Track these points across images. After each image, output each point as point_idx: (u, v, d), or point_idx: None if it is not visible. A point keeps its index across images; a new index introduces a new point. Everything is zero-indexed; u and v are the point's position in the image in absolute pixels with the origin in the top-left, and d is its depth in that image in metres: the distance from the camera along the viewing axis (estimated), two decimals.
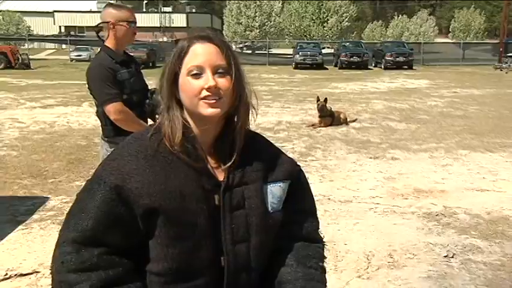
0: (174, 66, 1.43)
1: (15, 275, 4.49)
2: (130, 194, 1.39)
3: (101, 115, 3.87)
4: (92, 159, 8.04)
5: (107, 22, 3.77)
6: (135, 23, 3.85)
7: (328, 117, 11.99)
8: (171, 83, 1.44)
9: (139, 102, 3.87)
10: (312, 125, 12.00)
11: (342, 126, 11.97)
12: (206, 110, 1.41)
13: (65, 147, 9.58)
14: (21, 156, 8.90)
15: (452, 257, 4.91)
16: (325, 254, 1.65)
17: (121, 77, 3.77)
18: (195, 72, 1.40)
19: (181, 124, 1.44)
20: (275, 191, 1.54)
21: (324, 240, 1.68)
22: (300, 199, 1.63)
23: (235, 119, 1.49)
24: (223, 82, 1.41)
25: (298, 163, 1.68)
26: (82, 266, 1.36)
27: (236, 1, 53.18)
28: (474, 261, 4.81)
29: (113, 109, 3.74)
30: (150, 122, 4.02)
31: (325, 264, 1.64)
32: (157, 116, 4.06)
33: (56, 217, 5.89)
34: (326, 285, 1.58)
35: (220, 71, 1.42)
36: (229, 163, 1.48)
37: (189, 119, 1.46)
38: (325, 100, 12.31)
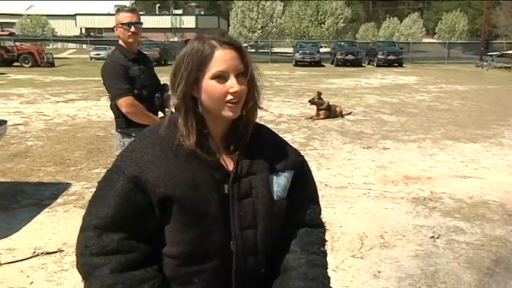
0: (196, 71, 1.39)
1: (42, 253, 4.52)
2: (147, 184, 1.38)
3: (114, 108, 3.90)
4: (110, 149, 8.04)
5: (118, 24, 3.85)
6: (133, 24, 3.83)
7: (325, 110, 11.98)
8: (190, 85, 1.41)
9: (149, 97, 3.90)
10: (311, 118, 11.99)
11: (338, 119, 11.96)
12: (228, 113, 1.40)
13: (85, 138, 9.59)
14: (46, 146, 8.91)
15: (438, 237, 4.91)
16: (326, 239, 1.64)
17: (132, 73, 3.80)
18: (219, 76, 1.38)
19: (195, 125, 1.42)
20: (280, 181, 1.52)
21: (325, 224, 1.67)
22: (303, 187, 1.62)
23: (248, 115, 1.48)
24: (244, 84, 1.41)
25: (301, 153, 1.67)
26: (103, 250, 1.36)
27: (241, 4, 53.04)
28: (457, 242, 4.82)
29: (124, 103, 3.77)
30: (160, 114, 4.06)
31: (326, 249, 1.63)
32: (166, 110, 4.09)
33: (77, 201, 5.91)
34: (327, 268, 1.58)
35: (241, 74, 1.41)
36: (238, 155, 1.47)
37: (204, 116, 1.44)
38: (319, 94, 12.30)
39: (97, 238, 1.37)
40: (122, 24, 3.83)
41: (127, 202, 1.38)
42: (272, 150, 1.55)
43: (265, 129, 1.61)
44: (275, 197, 1.51)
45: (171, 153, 1.42)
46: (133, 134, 3.90)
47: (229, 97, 1.38)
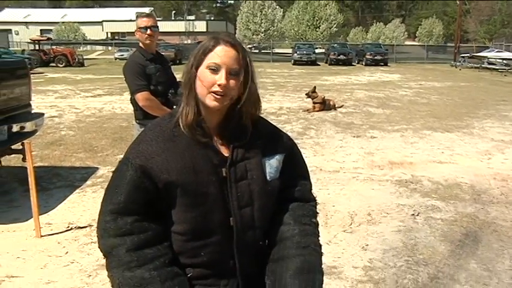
0: (197, 59, 1.41)
1: (75, 227, 4.55)
2: (152, 172, 1.39)
3: (133, 102, 3.94)
4: (131, 138, 7.98)
5: (137, 29, 3.87)
6: (149, 27, 3.84)
7: (320, 103, 11.96)
8: (192, 73, 1.42)
9: (163, 92, 3.91)
10: (307, 110, 11.96)
11: (331, 111, 11.93)
12: (211, 102, 1.40)
13: (111, 128, 9.60)
14: (77, 135, 8.93)
15: (418, 215, 4.92)
16: (317, 211, 1.64)
17: (149, 71, 3.82)
18: (213, 67, 1.38)
19: (194, 107, 1.43)
20: (272, 163, 1.52)
21: (316, 199, 1.66)
22: (294, 167, 1.60)
23: (242, 109, 1.46)
24: (233, 82, 1.40)
25: (291, 137, 1.66)
26: (119, 232, 1.38)
27: (246, 10, 52.78)
28: (434, 218, 4.82)
29: (141, 97, 3.80)
30: (174, 107, 4.05)
31: (318, 219, 1.63)
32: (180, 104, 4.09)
33: (104, 183, 5.93)
34: (319, 237, 1.58)
35: (233, 72, 1.40)
36: (237, 144, 1.47)
37: (200, 104, 1.44)
38: (315, 88, 12.28)
39: (113, 222, 1.39)
40: (140, 28, 3.84)
41: (136, 189, 1.40)
42: (265, 137, 1.54)
43: (262, 120, 1.59)
44: (268, 178, 1.50)
45: (172, 143, 1.42)
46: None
47: (215, 88, 1.38)
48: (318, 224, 1.60)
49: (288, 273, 1.46)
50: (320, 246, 1.56)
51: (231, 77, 1.39)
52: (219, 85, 1.37)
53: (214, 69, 1.38)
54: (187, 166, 1.40)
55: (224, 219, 1.44)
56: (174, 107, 4.03)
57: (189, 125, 1.42)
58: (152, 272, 1.35)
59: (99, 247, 1.42)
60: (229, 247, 1.46)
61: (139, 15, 3.97)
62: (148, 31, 3.83)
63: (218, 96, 1.39)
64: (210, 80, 1.38)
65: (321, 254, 1.55)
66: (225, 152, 1.46)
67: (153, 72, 3.83)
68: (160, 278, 1.35)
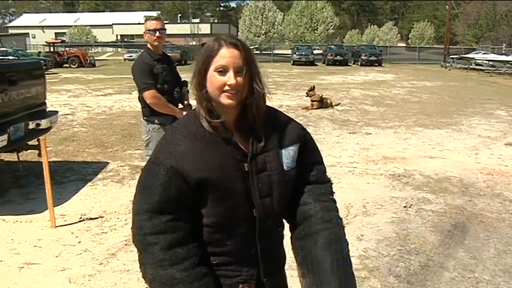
0: (205, 63, 1.42)
1: (87, 218, 4.56)
2: (183, 172, 1.39)
3: (141, 99, 3.95)
4: (140, 134, 8.02)
5: (146, 31, 3.89)
6: (157, 30, 3.85)
7: (318, 102, 11.95)
8: (201, 76, 1.43)
9: (170, 90, 3.92)
10: (306, 108, 11.95)
11: (329, 109, 11.91)
12: (226, 100, 1.41)
13: (120, 125, 9.61)
14: (89, 132, 8.94)
15: (410, 207, 4.92)
16: (333, 190, 1.65)
17: (156, 70, 3.83)
18: (220, 69, 1.39)
19: (208, 107, 1.44)
20: (288, 153, 1.53)
21: (330, 179, 1.67)
22: (308, 154, 1.61)
23: (252, 102, 1.47)
24: (241, 79, 1.41)
25: (304, 127, 1.66)
26: (153, 230, 1.39)
27: (248, 14, 52.69)
28: (425, 210, 4.82)
29: (148, 95, 3.81)
30: (180, 106, 4.07)
31: (335, 197, 1.64)
32: (185, 102, 4.10)
33: (114, 177, 5.94)
34: (338, 211, 1.60)
35: (239, 70, 1.41)
36: (251, 137, 1.48)
37: (215, 104, 1.45)
38: (313, 87, 12.26)
39: (148, 220, 1.39)
40: (149, 30, 3.85)
41: (169, 188, 1.39)
42: (280, 129, 1.55)
43: (272, 111, 1.60)
44: (285, 167, 1.52)
45: (199, 143, 1.43)
46: (156, 121, 3.92)
47: (226, 88, 1.39)
48: (335, 201, 1.62)
49: (317, 246, 1.49)
50: (341, 219, 1.59)
51: (239, 75, 1.41)
52: (229, 85, 1.39)
53: (222, 71, 1.39)
54: (214, 164, 1.41)
55: (248, 210, 1.46)
56: (180, 104, 4.06)
57: (210, 123, 1.43)
58: (182, 273, 1.37)
59: (134, 243, 1.45)
60: (252, 236, 1.48)
61: (148, 18, 3.97)
62: (157, 33, 3.84)
63: (231, 94, 1.40)
64: (220, 82, 1.39)
65: (343, 225, 1.58)
66: (245, 146, 1.47)
67: (160, 71, 3.84)
68: (190, 278, 1.37)
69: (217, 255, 1.49)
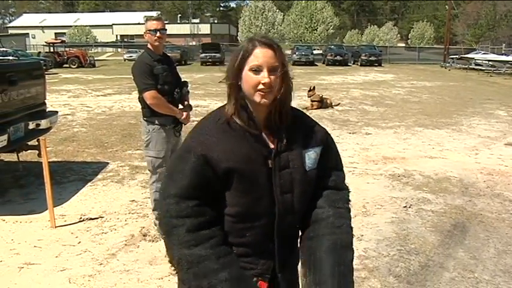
0: (240, 63, 1.47)
1: (87, 218, 4.56)
2: (213, 160, 1.44)
3: (141, 100, 3.93)
4: (139, 134, 8.02)
5: (146, 31, 3.87)
6: (158, 30, 3.84)
7: (318, 102, 11.95)
8: (236, 75, 1.49)
9: (170, 91, 3.90)
10: (306, 108, 11.94)
11: (329, 109, 11.92)
12: (259, 99, 1.47)
13: (120, 125, 9.61)
14: (88, 132, 8.94)
15: (410, 207, 4.92)
16: (349, 199, 1.68)
17: (156, 71, 3.81)
18: (255, 69, 1.45)
19: (240, 103, 1.50)
20: (311, 155, 1.58)
21: (349, 188, 1.70)
22: (330, 159, 1.66)
23: (281, 103, 1.53)
24: (274, 78, 1.46)
25: (328, 132, 1.70)
26: (180, 214, 1.43)
27: (247, 14, 52.69)
28: (425, 210, 4.82)
29: (149, 96, 3.79)
30: (180, 106, 4.06)
31: (350, 206, 1.67)
32: (185, 102, 4.10)
33: (114, 177, 5.94)
34: (350, 220, 1.63)
35: (273, 69, 1.46)
36: (277, 134, 1.54)
37: (248, 102, 1.51)
38: (313, 88, 12.26)
39: (175, 204, 1.44)
40: (150, 30, 3.84)
41: (198, 175, 1.44)
42: (305, 130, 1.60)
43: (299, 113, 1.67)
44: (307, 168, 1.56)
45: (230, 135, 1.49)
46: (156, 122, 3.90)
47: (261, 86, 1.45)
48: (350, 210, 1.66)
49: (322, 249, 1.53)
50: (352, 228, 1.62)
51: (272, 74, 1.46)
52: (263, 84, 1.44)
53: (257, 70, 1.45)
54: (243, 156, 1.47)
55: (270, 205, 1.51)
56: (180, 105, 4.05)
57: (242, 119, 1.50)
58: (208, 250, 1.42)
59: (160, 226, 1.49)
60: (271, 230, 1.53)
61: (149, 19, 3.95)
62: (158, 33, 3.83)
63: (264, 93, 1.46)
64: (255, 81, 1.45)
65: (352, 234, 1.61)
66: (271, 144, 1.53)
67: (160, 72, 3.82)
68: (215, 255, 1.42)
69: (237, 245, 1.53)
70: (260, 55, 1.45)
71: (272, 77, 1.46)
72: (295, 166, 1.54)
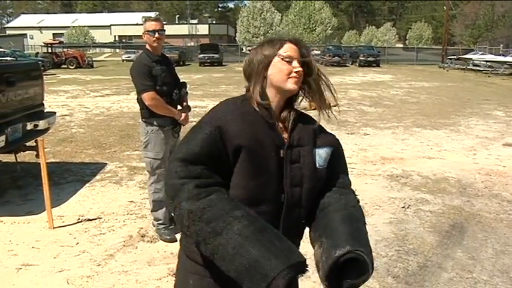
0: (270, 54, 1.58)
1: (85, 219, 4.55)
2: (228, 135, 1.46)
3: (139, 101, 3.91)
4: (138, 135, 8.01)
5: (145, 32, 3.86)
6: (157, 31, 3.82)
7: None
8: (263, 67, 1.58)
9: (168, 92, 3.88)
10: (304, 108, 11.93)
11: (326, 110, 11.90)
12: (291, 85, 1.57)
13: (118, 126, 9.60)
14: (87, 132, 8.93)
15: (408, 207, 4.92)
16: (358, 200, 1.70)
17: (155, 72, 3.79)
18: (288, 59, 1.56)
19: (261, 91, 1.57)
20: (321, 153, 1.61)
21: (355, 192, 1.72)
22: (339, 163, 1.71)
23: (294, 98, 1.67)
24: (302, 70, 1.59)
25: (337, 137, 1.75)
26: (188, 175, 1.42)
27: (246, 14, 52.70)
28: (423, 210, 4.83)
29: (147, 97, 3.77)
30: (178, 107, 4.04)
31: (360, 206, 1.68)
32: (184, 103, 4.09)
33: (112, 178, 5.94)
34: (361, 207, 1.66)
35: (301, 62, 1.58)
36: (290, 128, 1.59)
37: (268, 93, 1.58)
38: None
39: (184, 167, 1.43)
40: (148, 31, 3.83)
41: (211, 144, 1.45)
42: (315, 131, 1.65)
43: (304, 114, 1.74)
44: (317, 165, 1.59)
45: (247, 117, 1.52)
46: (155, 123, 3.88)
47: (293, 74, 1.56)
48: (361, 207, 1.67)
49: (336, 220, 1.53)
50: (362, 211, 1.66)
51: (301, 66, 1.58)
52: (296, 72, 1.56)
53: (289, 61, 1.56)
54: (256, 138, 1.50)
55: (277, 193, 1.52)
56: (179, 106, 4.05)
57: (262, 106, 1.55)
58: (219, 195, 1.40)
59: (166, 188, 1.46)
60: (277, 221, 1.53)
61: (148, 19, 3.94)
62: (157, 34, 3.82)
63: (297, 79, 1.57)
64: (288, 68, 1.55)
65: (363, 214, 1.64)
66: (284, 134, 1.58)
67: (159, 73, 3.80)
68: (227, 199, 1.41)
69: None
70: (291, 48, 1.58)
71: (301, 68, 1.57)
72: (305, 162, 1.56)
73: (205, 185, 1.41)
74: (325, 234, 1.52)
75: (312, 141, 1.61)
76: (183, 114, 3.99)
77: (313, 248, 1.57)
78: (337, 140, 1.73)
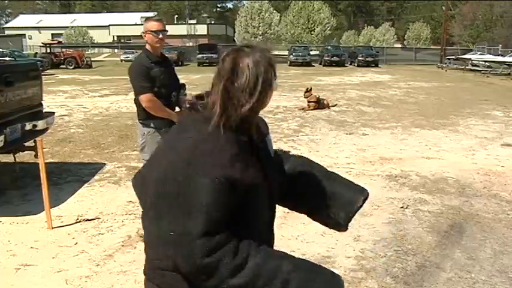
0: (269, 87, 1.47)
1: (83, 219, 4.56)
2: (234, 179, 1.30)
3: (137, 102, 3.86)
4: (136, 135, 8.06)
5: (146, 32, 3.78)
6: (161, 31, 3.76)
7: (315, 102, 11.96)
8: (263, 96, 1.44)
9: (167, 94, 3.82)
10: (303, 109, 11.96)
11: (325, 110, 11.93)
12: None
13: (117, 126, 9.60)
14: (85, 133, 8.92)
15: (407, 207, 4.93)
16: None
17: (153, 73, 3.73)
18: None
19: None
20: (270, 139, 1.59)
21: None
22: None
23: None
24: None
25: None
26: (219, 247, 1.26)
27: (244, 15, 52.65)
28: (422, 211, 4.83)
29: (144, 98, 3.72)
30: (177, 109, 3.96)
31: None
32: (183, 106, 4.04)
33: (110, 178, 5.94)
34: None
35: None
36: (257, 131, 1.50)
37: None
38: (310, 89, 12.28)
39: (210, 241, 1.26)
40: (152, 31, 3.75)
41: (224, 200, 1.28)
42: (261, 125, 1.58)
43: None
44: (271, 153, 1.58)
45: (237, 147, 1.36)
46: (152, 125, 3.82)
47: None
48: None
49: (321, 184, 1.65)
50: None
51: None
52: None
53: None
54: (257, 167, 1.40)
55: (267, 200, 1.47)
56: (177, 108, 4.00)
57: (241, 130, 1.39)
58: (255, 254, 1.30)
59: (191, 270, 1.28)
60: (270, 222, 1.55)
61: (150, 19, 3.89)
62: (160, 35, 3.75)
63: None
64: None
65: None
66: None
67: (157, 74, 3.75)
68: (264, 256, 1.31)
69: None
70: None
71: None
72: (269, 155, 1.53)
73: (237, 248, 1.27)
74: (328, 199, 1.63)
75: (261, 129, 1.55)
76: None
77: (309, 215, 1.70)
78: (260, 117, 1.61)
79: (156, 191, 1.33)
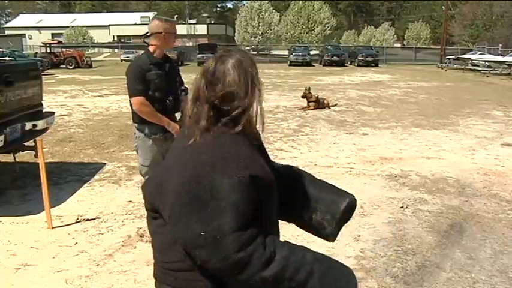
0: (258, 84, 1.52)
1: (83, 219, 4.55)
2: (257, 176, 1.36)
3: (131, 104, 3.73)
4: None
5: (160, 32, 3.62)
6: (175, 34, 3.71)
7: (315, 102, 11.96)
8: (258, 94, 1.52)
9: (161, 98, 3.65)
10: (303, 109, 11.96)
11: (325, 110, 11.93)
12: None
13: (117, 126, 9.59)
14: (85, 132, 8.92)
15: (407, 207, 4.93)
16: None
17: (148, 76, 3.58)
18: None
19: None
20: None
21: None
22: None
23: None
24: None
25: None
26: (250, 241, 1.31)
27: (244, 14, 52.66)
28: (422, 210, 4.83)
29: (135, 101, 3.61)
30: (177, 115, 3.80)
31: None
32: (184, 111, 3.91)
33: (110, 178, 5.93)
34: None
35: None
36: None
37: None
38: (309, 88, 12.28)
39: (238, 238, 1.30)
40: (168, 33, 3.63)
41: (250, 196, 1.33)
42: None
43: None
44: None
45: (251, 147, 1.44)
46: (146, 131, 3.72)
47: None
48: None
49: (311, 187, 1.72)
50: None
51: None
52: None
53: None
54: (269, 165, 1.50)
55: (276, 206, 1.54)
56: (177, 114, 3.86)
57: (253, 132, 1.50)
58: (282, 247, 1.37)
59: (222, 266, 1.31)
60: (276, 229, 1.59)
61: (164, 19, 3.75)
62: (173, 38, 3.69)
63: None
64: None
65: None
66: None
67: (153, 78, 3.59)
68: (290, 249, 1.38)
69: None
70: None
71: None
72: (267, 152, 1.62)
73: (265, 242, 1.33)
74: (314, 202, 1.68)
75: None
76: (177, 126, 3.67)
77: (298, 223, 1.75)
78: None
79: (180, 198, 1.35)
